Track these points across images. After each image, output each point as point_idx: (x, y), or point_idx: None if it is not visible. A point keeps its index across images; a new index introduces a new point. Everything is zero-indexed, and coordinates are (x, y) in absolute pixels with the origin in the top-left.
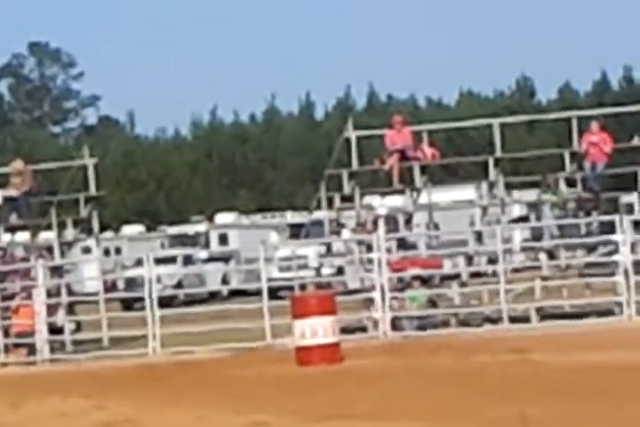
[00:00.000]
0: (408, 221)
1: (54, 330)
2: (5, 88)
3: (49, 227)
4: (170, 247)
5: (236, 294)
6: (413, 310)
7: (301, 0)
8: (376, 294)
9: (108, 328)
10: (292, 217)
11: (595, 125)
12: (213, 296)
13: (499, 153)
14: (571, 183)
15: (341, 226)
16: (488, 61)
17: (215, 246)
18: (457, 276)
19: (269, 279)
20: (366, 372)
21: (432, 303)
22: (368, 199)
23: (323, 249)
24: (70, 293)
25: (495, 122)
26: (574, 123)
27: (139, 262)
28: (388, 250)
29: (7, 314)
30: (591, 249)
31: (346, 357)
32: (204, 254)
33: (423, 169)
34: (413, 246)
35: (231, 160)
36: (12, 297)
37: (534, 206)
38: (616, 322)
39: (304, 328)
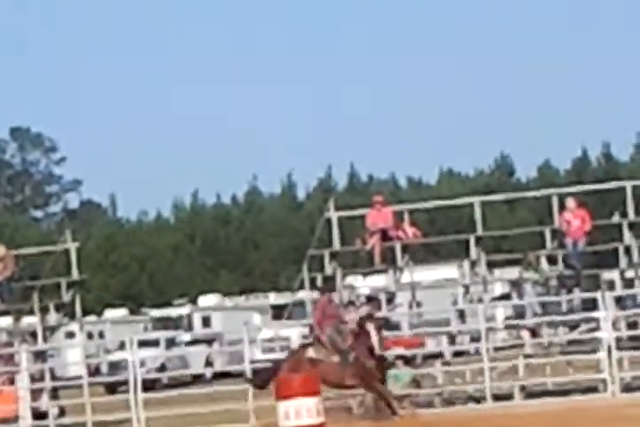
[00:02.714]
0: (390, 301)
1: (38, 415)
2: None
3: (31, 311)
4: (153, 330)
5: (219, 376)
6: (397, 390)
7: (285, 80)
8: None
9: (92, 412)
10: (274, 298)
11: (571, 202)
12: (197, 379)
13: (480, 231)
14: (552, 261)
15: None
16: (467, 140)
17: (198, 329)
18: (440, 355)
19: (253, 361)
20: None
21: (416, 383)
22: (350, 279)
23: (306, 330)
24: (54, 377)
25: (476, 200)
26: (555, 200)
27: (122, 346)
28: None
29: None
30: (573, 326)
31: None
32: (187, 337)
33: (405, 248)
34: (396, 326)
35: (214, 242)
36: None
37: (516, 284)
38: (600, 399)
39: (288, 409)
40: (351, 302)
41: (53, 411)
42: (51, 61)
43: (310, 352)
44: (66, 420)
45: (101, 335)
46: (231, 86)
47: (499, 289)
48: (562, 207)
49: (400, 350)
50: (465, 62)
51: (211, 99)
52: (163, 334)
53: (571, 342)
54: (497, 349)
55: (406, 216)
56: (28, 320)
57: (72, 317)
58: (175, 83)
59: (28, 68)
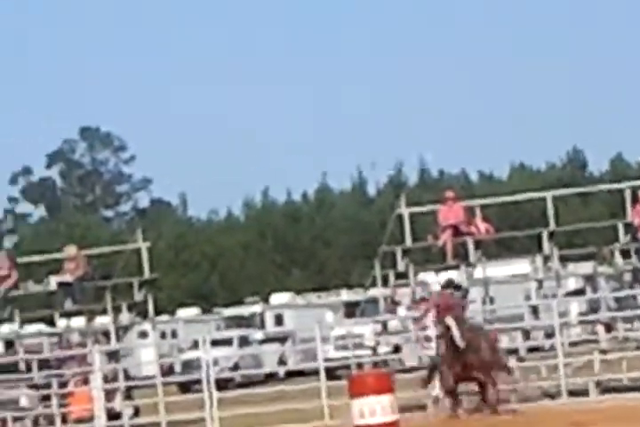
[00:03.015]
0: (463, 297)
1: (112, 415)
2: (57, 174)
3: (104, 312)
4: (225, 329)
5: (292, 374)
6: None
7: (352, 78)
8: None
9: (166, 412)
10: (347, 295)
11: None
12: (270, 377)
13: (552, 226)
14: (626, 254)
15: (397, 303)
16: (539, 134)
17: (271, 327)
18: (514, 351)
19: (326, 359)
20: None
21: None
22: (422, 276)
23: (378, 327)
24: (127, 377)
25: (548, 195)
26: (627, 193)
27: (195, 345)
28: None
29: (65, 400)
30: None
31: None
32: (259, 335)
33: (477, 244)
34: None
35: (284, 239)
36: (68, 383)
37: (590, 279)
38: None
39: (362, 407)
40: (424, 299)
41: (127, 411)
42: (120, 61)
43: None
44: (140, 420)
45: (174, 335)
46: (315, 86)
47: (572, 284)
48: (635, 200)
49: None
50: (534, 55)
51: (280, 96)
52: (235, 333)
53: None
54: (572, 344)
55: (478, 211)
56: (100, 320)
57: (144, 316)
58: (253, 82)
59: (97, 68)
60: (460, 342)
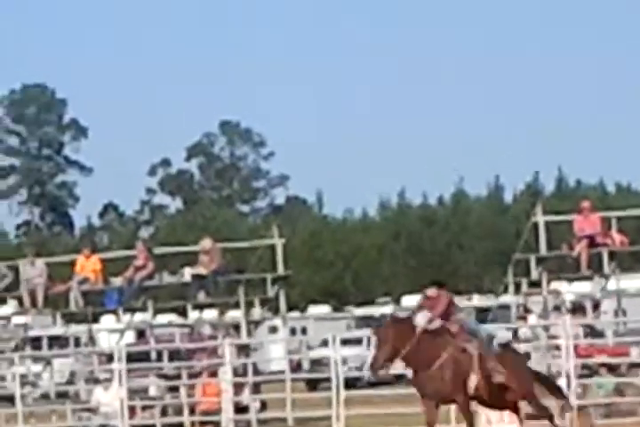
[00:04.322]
0: (595, 308)
1: (240, 409)
2: (196, 167)
3: (236, 305)
4: (356, 328)
5: None
6: (600, 398)
7: (490, 86)
8: (562, 381)
9: (293, 408)
10: (478, 300)
11: None
12: (399, 378)
13: None
14: None
15: (528, 311)
16: None
17: None
18: None
19: None
20: None
21: (619, 391)
22: (555, 285)
23: (508, 334)
24: (256, 372)
25: None
26: None
27: (324, 343)
28: (575, 336)
29: (193, 391)
30: None
31: None
32: None
33: (612, 255)
34: (601, 333)
35: (419, 242)
36: (197, 375)
37: None
38: None
39: (489, 414)
40: (557, 308)
41: (255, 405)
42: (262, 58)
43: None
44: (267, 414)
45: (304, 331)
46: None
47: None
48: None
49: (604, 358)
50: None
51: (420, 100)
52: (366, 333)
53: None
54: None
55: (614, 223)
56: (232, 314)
57: (276, 312)
58: (403, 83)
59: (239, 62)
60: None
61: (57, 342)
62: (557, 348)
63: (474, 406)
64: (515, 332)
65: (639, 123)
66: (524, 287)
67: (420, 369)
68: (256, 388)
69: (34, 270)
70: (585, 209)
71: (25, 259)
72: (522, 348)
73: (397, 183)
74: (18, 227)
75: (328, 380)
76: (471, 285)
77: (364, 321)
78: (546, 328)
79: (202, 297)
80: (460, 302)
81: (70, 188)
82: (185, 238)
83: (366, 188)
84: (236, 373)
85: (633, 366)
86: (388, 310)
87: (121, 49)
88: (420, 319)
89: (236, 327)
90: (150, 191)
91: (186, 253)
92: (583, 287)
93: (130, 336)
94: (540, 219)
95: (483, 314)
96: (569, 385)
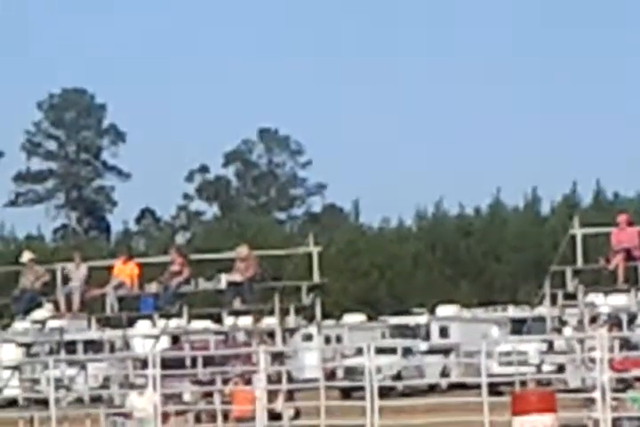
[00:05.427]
0: (631, 321)
1: (273, 416)
2: (233, 174)
3: (271, 313)
4: (390, 338)
5: (455, 386)
6: (635, 412)
7: (528, 98)
8: (597, 394)
9: (327, 416)
10: (513, 312)
11: None
12: (432, 388)
13: None
14: None
15: (564, 323)
16: None
17: (436, 339)
18: None
19: (489, 374)
20: None
21: None
22: (591, 297)
23: (544, 346)
24: (290, 379)
25: None
26: None
27: (359, 351)
28: (611, 349)
29: (226, 398)
30: None
31: None
32: (424, 346)
33: None
34: (636, 347)
35: (455, 252)
36: (231, 381)
37: None
38: None
39: (524, 425)
40: (593, 320)
41: (288, 412)
42: (303, 66)
43: None
44: (300, 422)
45: (339, 340)
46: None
47: None
48: None
49: (639, 372)
50: None
51: (460, 112)
52: (400, 342)
53: None
54: None
55: None
56: (267, 321)
57: (310, 320)
58: (441, 91)
59: (276, 69)
60: None
61: (92, 346)
62: (592, 361)
63: None
64: (550, 344)
65: None
66: (560, 299)
67: None
68: (290, 395)
69: (77, 274)
70: (622, 222)
71: (71, 263)
72: (557, 360)
73: (434, 193)
74: (55, 231)
75: (362, 388)
76: (507, 296)
77: (399, 330)
78: (581, 341)
79: (237, 304)
80: (495, 312)
81: (107, 192)
82: (221, 245)
83: (403, 197)
84: (270, 380)
85: None
86: (422, 320)
87: (161, 55)
88: None
89: (271, 335)
90: (187, 197)
91: (222, 260)
92: (619, 300)
93: (164, 342)
94: (578, 231)
95: (518, 325)
96: (603, 398)
